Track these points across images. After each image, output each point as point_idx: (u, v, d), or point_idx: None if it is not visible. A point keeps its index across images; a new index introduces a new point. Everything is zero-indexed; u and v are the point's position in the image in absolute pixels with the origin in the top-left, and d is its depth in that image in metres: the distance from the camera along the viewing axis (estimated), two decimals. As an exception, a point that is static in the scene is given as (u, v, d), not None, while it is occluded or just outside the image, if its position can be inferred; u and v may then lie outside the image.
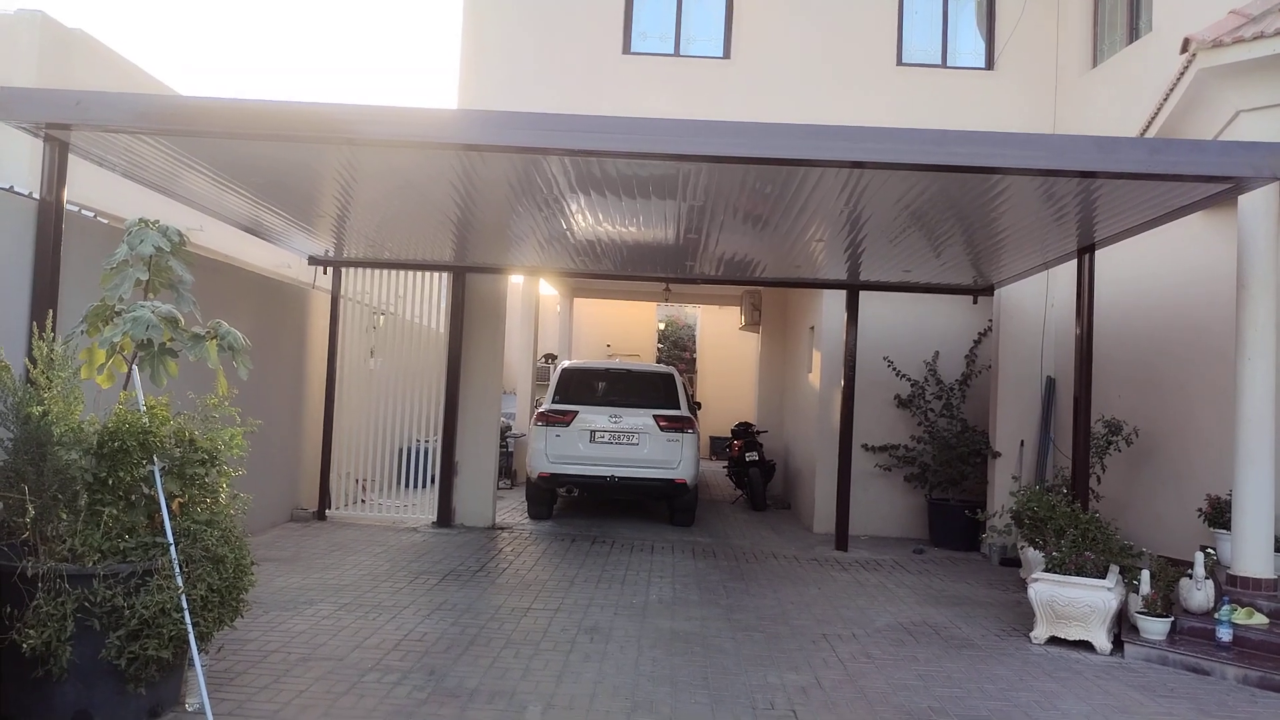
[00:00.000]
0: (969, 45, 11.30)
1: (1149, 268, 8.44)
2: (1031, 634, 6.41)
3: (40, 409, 4.03)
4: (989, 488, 10.10)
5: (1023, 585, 7.37)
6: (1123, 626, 6.40)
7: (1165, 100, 7.34)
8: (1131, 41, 9.50)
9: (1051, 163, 5.42)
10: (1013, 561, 9.14)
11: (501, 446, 11.47)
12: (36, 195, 5.58)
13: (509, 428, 14.34)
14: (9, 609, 3.73)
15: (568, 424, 10.70)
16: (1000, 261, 8.48)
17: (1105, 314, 8.51)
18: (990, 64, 11.09)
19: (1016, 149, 5.51)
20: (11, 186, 5.72)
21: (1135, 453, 8.34)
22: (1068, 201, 6.18)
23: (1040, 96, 10.83)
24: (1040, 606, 6.35)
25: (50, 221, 5.46)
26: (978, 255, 8.25)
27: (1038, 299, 9.89)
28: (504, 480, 13.16)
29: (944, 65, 11.21)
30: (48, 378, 4.15)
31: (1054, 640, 6.31)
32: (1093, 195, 5.99)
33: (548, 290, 17.25)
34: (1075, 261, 7.68)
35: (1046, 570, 6.50)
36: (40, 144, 5.61)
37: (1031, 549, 7.65)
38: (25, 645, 3.69)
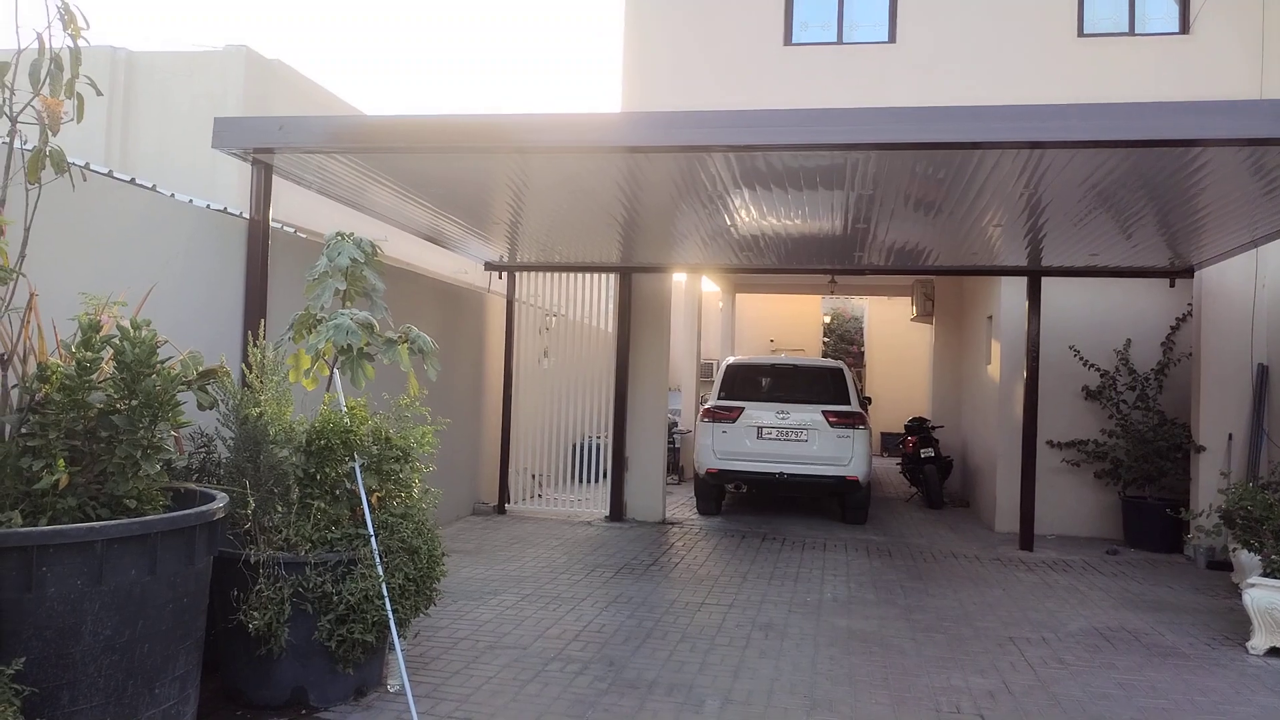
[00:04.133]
0: (1160, 8, 10.49)
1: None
2: (1248, 644, 5.89)
3: (257, 410, 4.42)
4: (1192, 485, 9.35)
5: (1234, 591, 6.79)
6: (1357, 638, 5.79)
7: (1398, 53, 6.57)
8: (1354, -10, 8.56)
9: (1262, 131, 4.94)
10: (1222, 565, 8.43)
11: (668, 442, 11.60)
12: (246, 215, 6.10)
13: (675, 424, 14.49)
14: (236, 592, 4.10)
15: (734, 420, 10.70)
16: (1200, 241, 7.83)
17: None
18: (1185, 28, 10.25)
19: (1220, 117, 5.06)
20: (225, 208, 6.27)
21: (1368, 446, 7.52)
22: (1281, 172, 5.64)
23: (1245, 60, 9.91)
24: (1258, 614, 5.83)
25: (259, 238, 5.96)
26: (1174, 235, 7.65)
27: (1245, 279, 9.06)
28: (671, 476, 13.31)
29: (1131, 33, 10.46)
30: (261, 382, 4.54)
31: (1274, 651, 5.79)
32: (1312, 164, 5.44)
33: (709, 287, 17.29)
34: (1291, 237, 7.00)
35: (1264, 575, 5.97)
36: (245, 167, 6.14)
37: (1245, 551, 7.01)
38: (251, 626, 4.04)
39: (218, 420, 4.54)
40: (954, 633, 6.08)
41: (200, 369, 4.27)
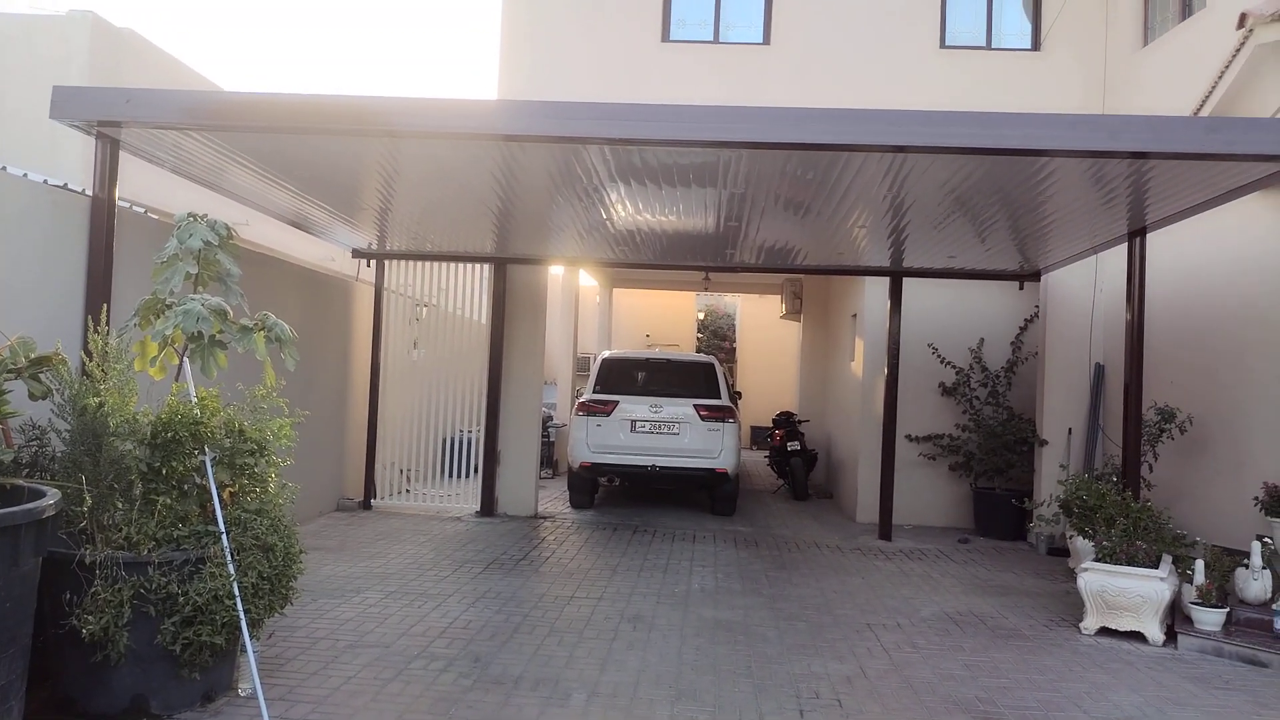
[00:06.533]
0: (1015, 26, 11.10)
1: (1203, 250, 8.22)
2: (1081, 624, 6.31)
3: (96, 401, 4.12)
4: (1036, 476, 9.95)
5: (1071, 575, 7.25)
6: (1176, 617, 6.27)
7: (1220, 78, 7.14)
8: (1185, 18, 9.25)
9: (1102, 144, 5.29)
10: (1061, 551, 9.01)
11: (543, 436, 11.53)
12: (89, 192, 5.70)
13: (550, 418, 14.41)
14: (69, 595, 3.82)
15: (608, 414, 10.73)
16: (1047, 246, 8.32)
17: (1157, 299, 8.32)
18: (1037, 45, 10.88)
19: (1066, 130, 5.39)
20: (66, 184, 5.84)
21: (1189, 441, 8.15)
22: (1118, 183, 6.04)
23: (1089, 77, 10.60)
24: (1090, 596, 6.25)
25: (103, 217, 5.58)
26: (1024, 240, 8.11)
27: (1086, 284, 9.69)
28: (545, 470, 13.24)
29: (989, 47, 11.04)
30: (103, 370, 4.24)
31: (1104, 631, 6.21)
32: (1145, 177, 5.84)
33: (587, 281, 17.27)
34: (1125, 245, 7.52)
35: (1096, 560, 6.40)
36: (92, 142, 5.73)
37: (1081, 538, 7.52)
38: (84, 631, 3.77)
39: (52, 411, 4.22)
40: (815, 621, 6.27)
41: (32, 355, 3.98)
